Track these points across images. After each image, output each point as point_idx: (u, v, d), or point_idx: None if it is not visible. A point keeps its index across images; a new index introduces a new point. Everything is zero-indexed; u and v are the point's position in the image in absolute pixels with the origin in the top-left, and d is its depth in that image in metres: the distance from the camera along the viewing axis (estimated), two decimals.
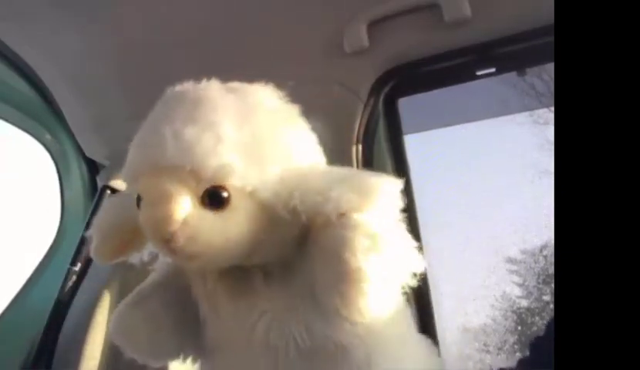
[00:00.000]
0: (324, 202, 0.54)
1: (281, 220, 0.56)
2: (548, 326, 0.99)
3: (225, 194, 0.54)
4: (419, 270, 0.53)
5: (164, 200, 0.53)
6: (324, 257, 0.54)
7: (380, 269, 0.51)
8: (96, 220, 0.67)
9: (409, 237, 0.55)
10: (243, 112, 0.57)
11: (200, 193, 0.54)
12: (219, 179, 0.53)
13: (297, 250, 0.60)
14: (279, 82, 0.61)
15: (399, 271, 0.53)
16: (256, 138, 0.56)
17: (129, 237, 0.64)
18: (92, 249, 0.66)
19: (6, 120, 1.27)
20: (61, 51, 1.12)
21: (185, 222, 0.52)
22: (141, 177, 0.56)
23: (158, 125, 0.56)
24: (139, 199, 0.57)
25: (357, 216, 0.53)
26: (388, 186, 0.55)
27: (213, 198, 0.54)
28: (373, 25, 1.01)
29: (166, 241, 0.53)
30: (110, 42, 1.09)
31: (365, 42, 1.01)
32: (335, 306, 0.52)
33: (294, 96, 0.61)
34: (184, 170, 0.53)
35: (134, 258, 0.68)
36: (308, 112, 0.62)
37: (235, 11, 1.03)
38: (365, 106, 1.08)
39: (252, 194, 0.55)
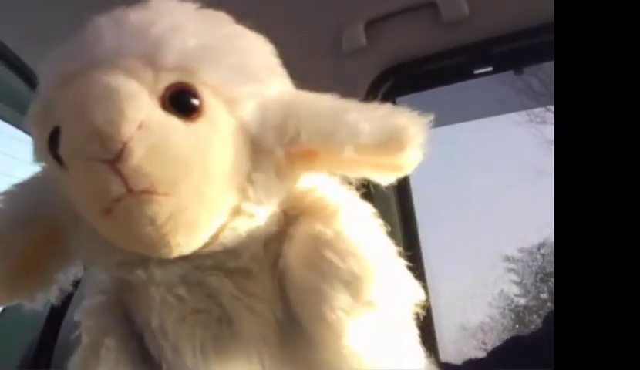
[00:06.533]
0: (336, 129, 0.40)
1: (269, 165, 0.41)
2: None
3: (196, 101, 0.38)
4: (417, 298, 0.42)
5: (108, 96, 0.35)
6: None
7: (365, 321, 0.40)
8: None
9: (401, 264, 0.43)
10: (206, 17, 0.44)
11: (161, 90, 0.38)
12: (185, 71, 0.39)
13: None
14: None
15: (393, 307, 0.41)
16: (227, 39, 0.43)
17: (38, 255, 0.45)
18: None
19: (6, 120, 1.27)
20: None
21: (143, 125, 0.35)
22: (61, 88, 0.39)
23: (88, 28, 0.42)
24: (55, 136, 0.38)
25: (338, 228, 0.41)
26: (420, 134, 0.41)
27: (180, 101, 0.38)
28: (371, 24, 1.01)
29: (115, 158, 0.35)
30: None
31: (363, 41, 1.01)
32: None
33: None
34: (134, 59, 0.38)
35: (38, 303, 0.47)
36: None
37: (232, 11, 1.03)
38: None
39: (231, 105, 0.40)
